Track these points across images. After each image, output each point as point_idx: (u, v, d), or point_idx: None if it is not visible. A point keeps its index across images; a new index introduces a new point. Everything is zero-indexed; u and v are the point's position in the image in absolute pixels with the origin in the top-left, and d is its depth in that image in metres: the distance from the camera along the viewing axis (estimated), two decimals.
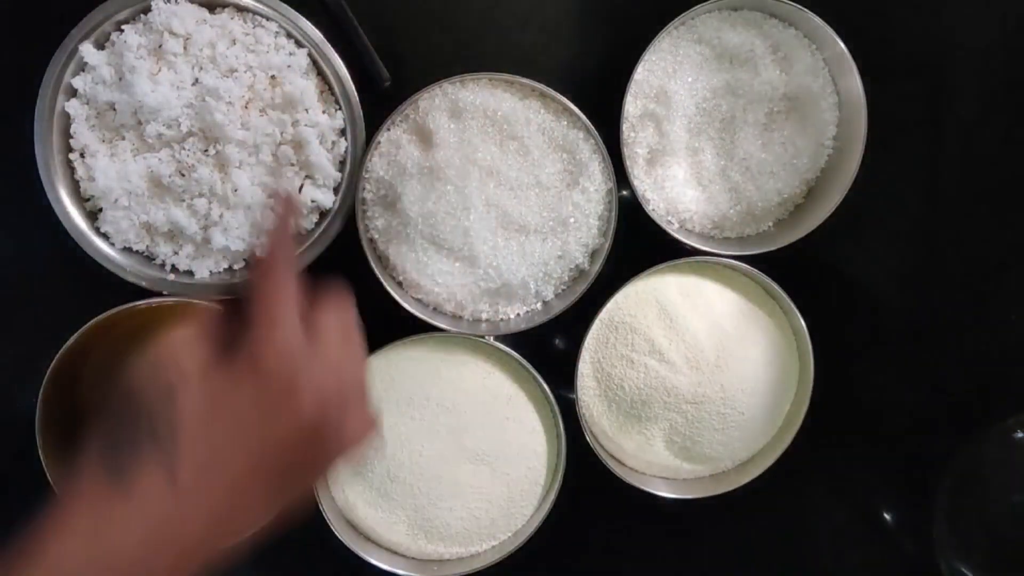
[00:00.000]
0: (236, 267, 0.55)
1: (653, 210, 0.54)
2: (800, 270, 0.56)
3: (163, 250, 0.54)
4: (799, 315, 0.55)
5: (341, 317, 0.37)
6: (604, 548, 0.62)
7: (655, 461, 0.57)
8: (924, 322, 0.61)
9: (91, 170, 0.52)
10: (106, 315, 0.51)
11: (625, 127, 0.54)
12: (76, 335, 0.51)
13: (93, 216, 0.54)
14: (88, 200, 0.53)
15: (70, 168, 0.53)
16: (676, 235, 0.54)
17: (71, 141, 0.53)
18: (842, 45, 0.53)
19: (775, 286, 0.55)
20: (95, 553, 0.31)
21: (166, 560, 0.32)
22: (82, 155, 0.53)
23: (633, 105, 0.55)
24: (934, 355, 0.61)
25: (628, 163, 0.53)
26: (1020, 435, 0.57)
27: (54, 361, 0.51)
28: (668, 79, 0.54)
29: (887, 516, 0.62)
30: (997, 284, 0.61)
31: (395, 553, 0.57)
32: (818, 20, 0.53)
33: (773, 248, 0.55)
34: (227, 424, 0.33)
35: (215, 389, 0.33)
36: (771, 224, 0.57)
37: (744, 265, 0.55)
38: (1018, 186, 0.60)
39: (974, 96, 0.59)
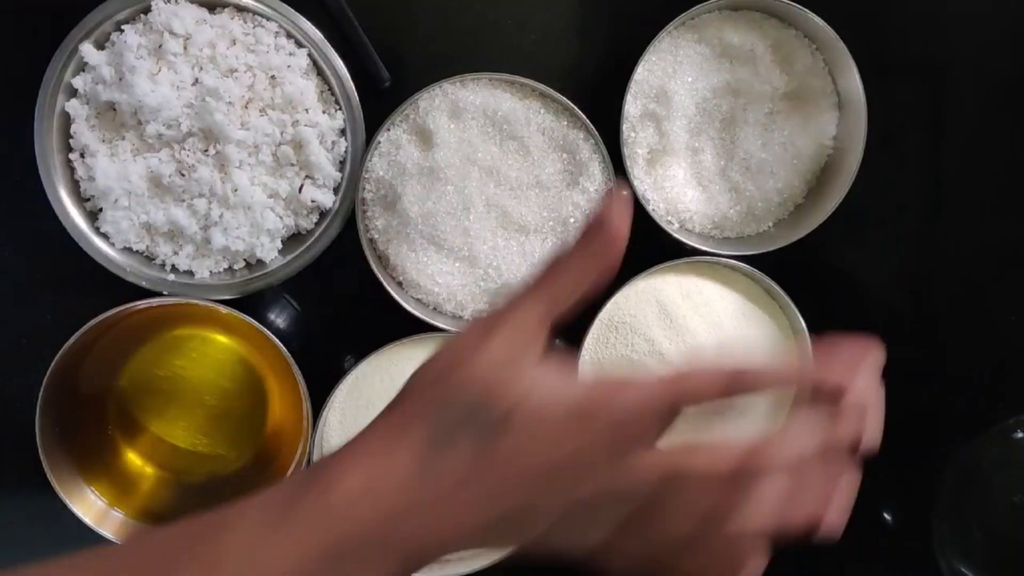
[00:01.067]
0: (236, 267, 0.55)
1: (653, 210, 0.54)
2: (800, 270, 0.56)
3: (163, 250, 0.54)
4: (799, 315, 0.55)
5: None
6: None
7: None
8: (924, 322, 0.61)
9: (91, 170, 0.52)
10: (106, 315, 0.51)
11: (625, 127, 0.54)
12: (76, 335, 0.51)
13: (93, 216, 0.54)
14: (88, 200, 0.53)
15: (70, 168, 0.53)
16: (676, 235, 0.54)
17: (71, 141, 0.53)
18: (842, 45, 0.53)
19: (775, 286, 0.55)
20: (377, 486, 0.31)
21: (428, 531, 0.32)
22: (82, 155, 0.53)
23: (633, 105, 0.55)
24: (934, 355, 0.61)
25: (628, 163, 0.53)
26: (1020, 435, 0.57)
27: (54, 361, 0.51)
28: (668, 79, 0.54)
29: (887, 516, 0.62)
30: (997, 284, 0.61)
31: None
32: (818, 20, 0.53)
33: (773, 248, 0.55)
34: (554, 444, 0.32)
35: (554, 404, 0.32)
36: (771, 224, 0.57)
37: (744, 265, 0.55)
38: (1019, 186, 0.60)
39: (974, 96, 0.59)
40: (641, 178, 0.55)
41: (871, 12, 0.58)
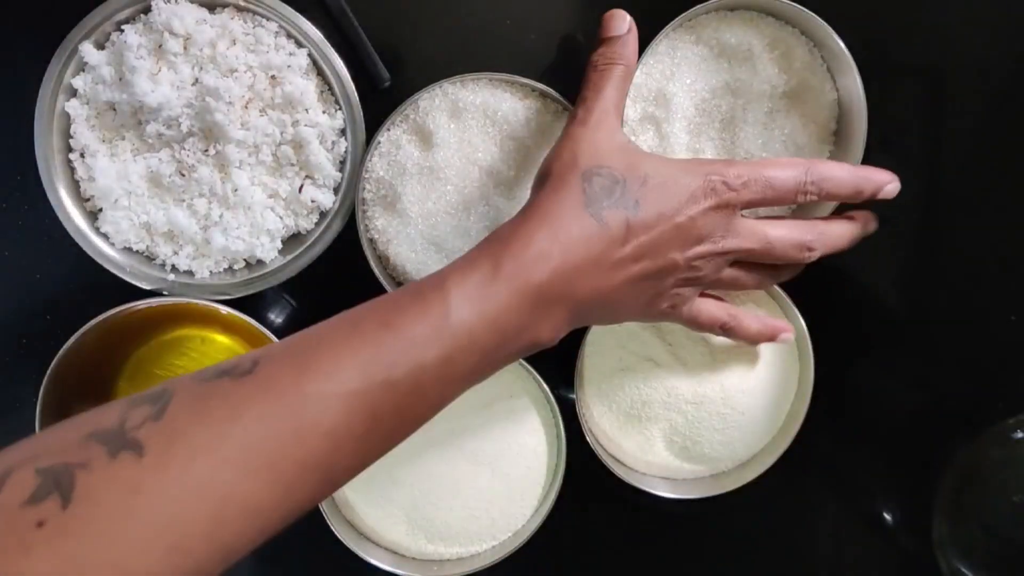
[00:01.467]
0: (236, 267, 0.55)
1: None
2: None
3: (163, 250, 0.54)
4: (799, 315, 0.55)
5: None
6: (604, 548, 0.62)
7: (655, 461, 0.57)
8: (924, 322, 0.61)
9: (91, 170, 0.52)
10: (106, 315, 0.51)
11: (625, 131, 0.54)
12: (76, 335, 0.51)
13: (93, 216, 0.54)
14: (88, 200, 0.53)
15: (70, 168, 0.53)
16: None
17: (71, 141, 0.53)
18: (841, 44, 0.53)
19: (775, 286, 0.55)
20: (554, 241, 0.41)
21: (579, 281, 0.41)
22: (82, 155, 0.53)
23: (632, 109, 0.55)
24: (934, 355, 0.61)
25: None
26: (1020, 435, 0.57)
27: (54, 361, 0.51)
28: (667, 81, 0.54)
29: (887, 516, 0.62)
30: (997, 284, 0.61)
31: (395, 553, 0.57)
32: (817, 19, 0.53)
33: None
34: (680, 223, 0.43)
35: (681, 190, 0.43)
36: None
37: None
38: (1018, 186, 0.60)
39: (974, 96, 0.59)
40: None
41: (871, 12, 0.58)
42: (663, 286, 0.44)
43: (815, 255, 0.48)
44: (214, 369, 0.35)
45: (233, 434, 0.32)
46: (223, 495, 0.31)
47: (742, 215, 0.46)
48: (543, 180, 0.44)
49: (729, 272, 0.46)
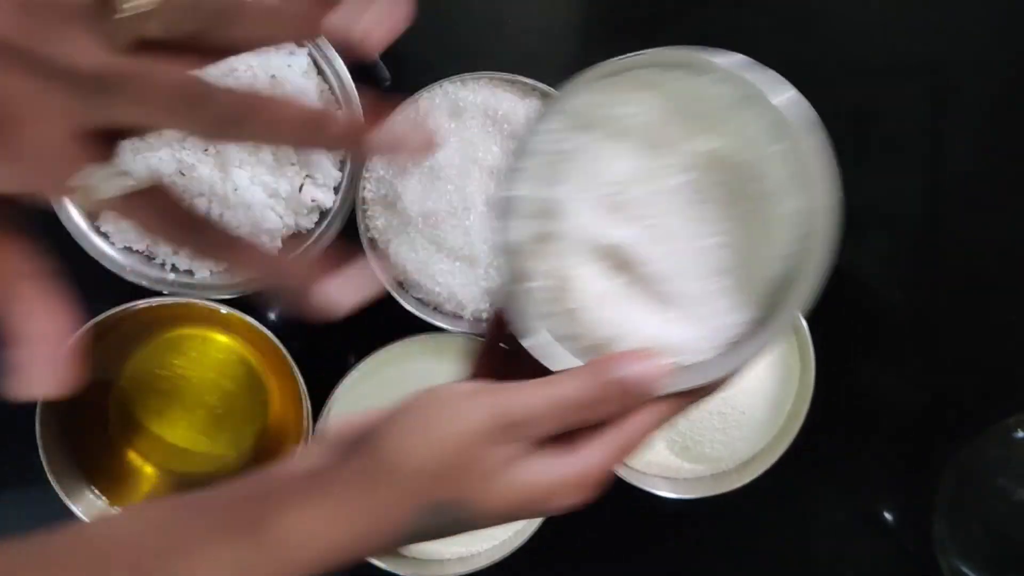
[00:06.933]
0: None
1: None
2: None
3: (163, 250, 0.54)
4: (799, 315, 0.55)
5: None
6: (604, 548, 0.62)
7: (655, 461, 0.57)
8: (924, 322, 0.61)
9: None
10: (106, 315, 0.51)
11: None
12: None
13: (93, 216, 0.54)
14: None
15: None
16: None
17: None
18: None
19: None
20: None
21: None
22: None
23: (524, 230, 0.33)
24: (935, 355, 0.61)
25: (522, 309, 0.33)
26: (1020, 435, 0.57)
27: None
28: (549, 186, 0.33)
29: (888, 515, 0.62)
30: (997, 285, 0.61)
31: (395, 553, 0.57)
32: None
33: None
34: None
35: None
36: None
37: None
38: (1019, 186, 0.60)
39: (974, 96, 0.59)
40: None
41: (872, 12, 0.58)
42: None
43: None
44: None
45: None
46: None
47: None
48: None
49: None
